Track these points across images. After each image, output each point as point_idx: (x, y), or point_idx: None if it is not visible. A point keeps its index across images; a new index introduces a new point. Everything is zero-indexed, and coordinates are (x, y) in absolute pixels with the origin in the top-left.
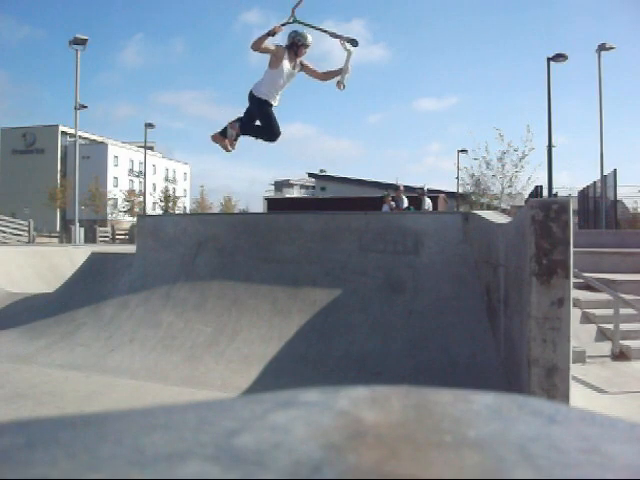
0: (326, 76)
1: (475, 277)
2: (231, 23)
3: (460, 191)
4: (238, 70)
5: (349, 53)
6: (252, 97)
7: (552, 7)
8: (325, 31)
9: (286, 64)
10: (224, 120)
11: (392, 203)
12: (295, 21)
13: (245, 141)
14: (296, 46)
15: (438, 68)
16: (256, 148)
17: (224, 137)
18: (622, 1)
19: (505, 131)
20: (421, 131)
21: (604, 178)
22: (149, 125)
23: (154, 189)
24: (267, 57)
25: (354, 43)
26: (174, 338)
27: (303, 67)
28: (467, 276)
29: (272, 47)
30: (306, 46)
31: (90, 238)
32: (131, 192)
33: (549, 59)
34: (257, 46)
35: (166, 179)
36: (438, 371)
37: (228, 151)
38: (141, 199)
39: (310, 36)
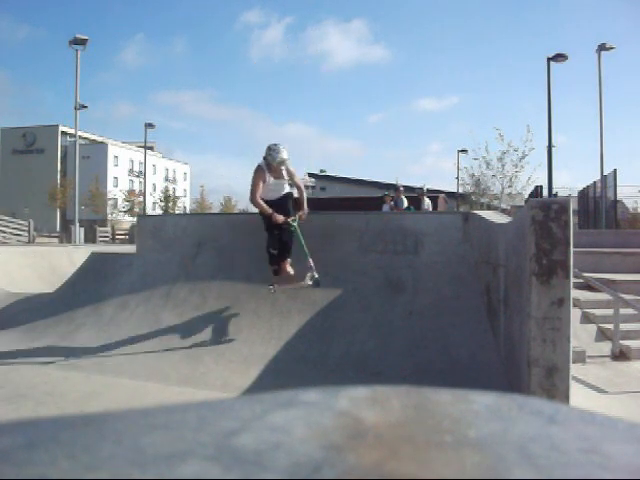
0: (299, 191)
1: (475, 277)
2: (232, 22)
3: (460, 191)
4: (238, 69)
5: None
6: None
7: (552, 7)
8: (307, 256)
9: (269, 178)
10: (224, 120)
11: (392, 203)
12: (293, 227)
13: (245, 141)
14: (270, 165)
15: (438, 68)
16: (256, 148)
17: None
18: (622, 1)
19: (505, 131)
20: (421, 131)
21: (604, 178)
22: (149, 125)
23: (154, 189)
24: None
25: (315, 283)
26: (174, 338)
27: (288, 173)
28: (467, 276)
29: (260, 185)
30: (281, 164)
31: (90, 238)
32: (131, 192)
33: (549, 59)
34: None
35: (166, 179)
36: (438, 371)
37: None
38: (141, 199)
39: (282, 153)
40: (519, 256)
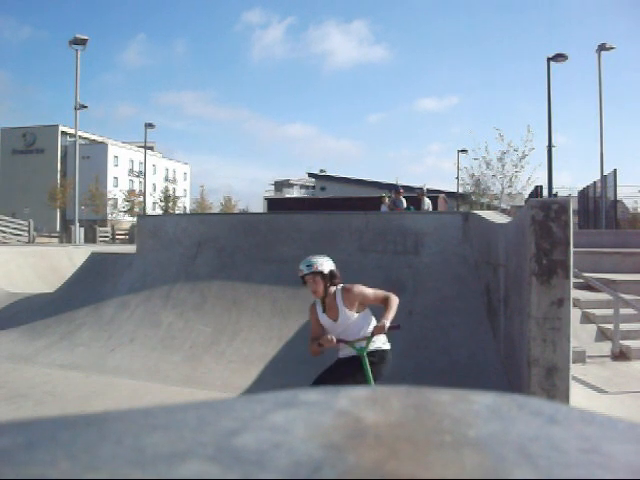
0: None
1: (475, 277)
2: (233, 23)
3: (460, 191)
4: (239, 70)
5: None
6: None
7: (553, 7)
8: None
9: (322, 317)
10: (224, 120)
11: (389, 204)
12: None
13: (245, 141)
14: (305, 281)
15: (439, 68)
16: (256, 148)
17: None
18: (622, 1)
19: (505, 131)
20: (421, 131)
21: (604, 178)
22: (149, 125)
23: (154, 189)
24: None
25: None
26: (174, 338)
27: (349, 300)
28: (467, 276)
29: (314, 329)
30: (310, 274)
31: (90, 238)
32: (131, 192)
33: (549, 59)
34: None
35: (166, 179)
36: (438, 371)
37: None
38: (141, 199)
39: (306, 263)
40: (519, 256)
